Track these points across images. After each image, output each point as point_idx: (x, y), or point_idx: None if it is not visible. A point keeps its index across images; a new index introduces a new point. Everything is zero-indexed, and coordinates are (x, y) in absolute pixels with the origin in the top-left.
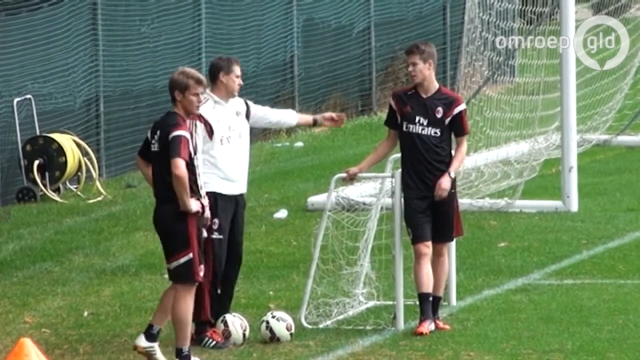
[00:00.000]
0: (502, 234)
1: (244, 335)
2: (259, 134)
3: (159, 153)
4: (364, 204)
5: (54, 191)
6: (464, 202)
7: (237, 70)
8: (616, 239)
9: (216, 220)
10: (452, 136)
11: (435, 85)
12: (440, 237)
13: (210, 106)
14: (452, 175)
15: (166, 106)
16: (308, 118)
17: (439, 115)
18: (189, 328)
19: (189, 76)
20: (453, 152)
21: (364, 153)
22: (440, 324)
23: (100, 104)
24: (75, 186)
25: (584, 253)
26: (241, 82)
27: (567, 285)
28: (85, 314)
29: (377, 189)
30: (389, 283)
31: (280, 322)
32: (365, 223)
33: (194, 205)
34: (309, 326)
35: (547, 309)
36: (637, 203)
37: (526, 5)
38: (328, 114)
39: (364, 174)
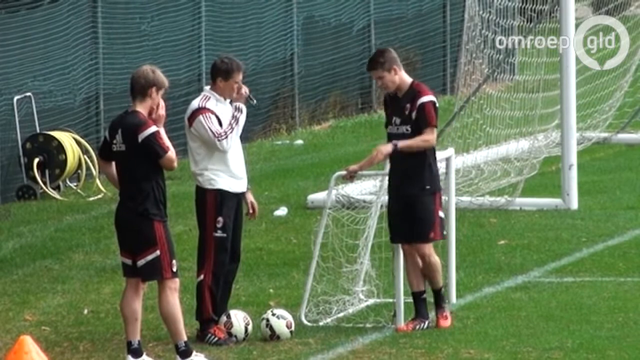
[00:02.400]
0: (502, 231)
1: (245, 329)
2: (259, 132)
3: (125, 152)
4: (364, 201)
5: (54, 189)
6: (464, 199)
7: (236, 77)
8: (616, 236)
9: (220, 219)
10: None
11: (408, 83)
12: (415, 237)
13: (213, 103)
14: (399, 145)
15: (166, 103)
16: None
17: (407, 112)
18: (180, 323)
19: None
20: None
21: (364, 151)
22: (442, 320)
23: (100, 102)
24: (75, 184)
25: (584, 251)
26: (240, 87)
27: (567, 283)
28: (86, 311)
29: (377, 186)
30: (389, 281)
31: (281, 320)
32: (365, 221)
33: (172, 153)
34: (309, 324)
35: (547, 307)
36: (637, 201)
37: (526, 3)
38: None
39: (364, 172)
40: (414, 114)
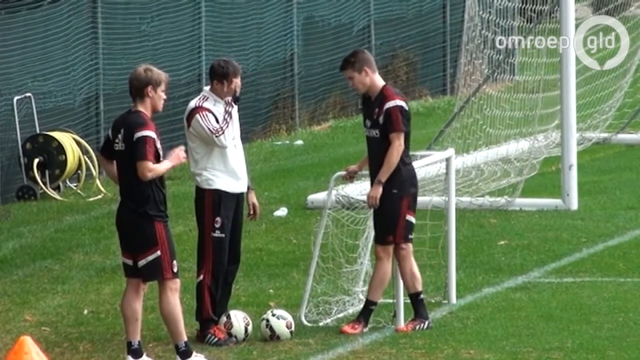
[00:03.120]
0: (502, 232)
1: (245, 329)
2: (259, 132)
3: (124, 152)
4: (364, 202)
5: (54, 189)
6: (464, 200)
7: (234, 80)
8: (616, 237)
9: (218, 219)
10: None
11: (379, 87)
12: (375, 238)
13: (211, 103)
14: (382, 181)
15: (166, 103)
16: None
17: (375, 116)
18: (180, 323)
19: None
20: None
21: (364, 151)
22: (350, 329)
23: (100, 102)
24: (75, 184)
25: (583, 251)
26: (237, 90)
27: (567, 283)
28: (85, 312)
29: None
30: (389, 281)
31: (280, 320)
32: (365, 221)
33: (167, 164)
34: (309, 324)
35: (547, 307)
36: (637, 201)
37: (526, 4)
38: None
39: (364, 172)
40: (381, 119)
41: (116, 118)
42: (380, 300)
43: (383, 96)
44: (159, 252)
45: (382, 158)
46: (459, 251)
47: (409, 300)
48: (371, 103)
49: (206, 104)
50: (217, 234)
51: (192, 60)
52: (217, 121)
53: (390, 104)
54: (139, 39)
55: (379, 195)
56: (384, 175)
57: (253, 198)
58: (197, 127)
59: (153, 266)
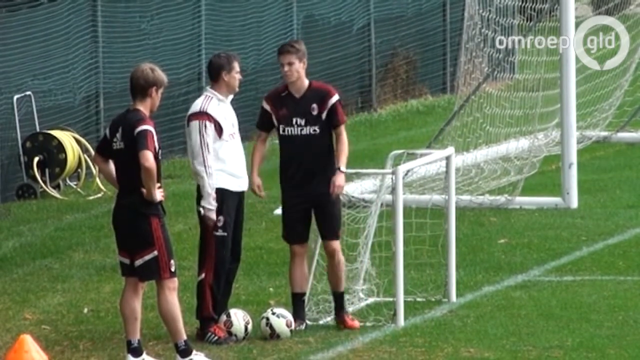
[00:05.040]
0: (501, 230)
1: (245, 328)
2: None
3: (124, 150)
4: (364, 200)
5: (54, 188)
6: (463, 198)
7: (237, 66)
8: (616, 235)
9: (221, 218)
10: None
11: (306, 83)
12: (327, 234)
13: (215, 104)
14: (343, 169)
15: (165, 102)
16: None
17: (314, 113)
18: (179, 322)
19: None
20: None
21: (364, 149)
22: (349, 321)
23: (100, 101)
24: (75, 183)
25: (583, 250)
26: (241, 77)
27: (567, 281)
28: (85, 310)
29: (377, 185)
30: (389, 279)
31: (280, 319)
32: (365, 220)
33: (158, 195)
34: (309, 322)
35: (547, 306)
36: (637, 199)
37: (526, 2)
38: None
39: (364, 171)
40: (324, 115)
41: (114, 118)
42: (381, 299)
43: (324, 92)
44: (155, 252)
45: (322, 154)
46: (459, 249)
47: (409, 299)
48: (297, 100)
49: (210, 108)
50: (219, 232)
51: (192, 59)
52: (220, 128)
53: (334, 98)
54: (139, 37)
55: (344, 183)
56: (343, 163)
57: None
58: (191, 132)
59: (150, 266)
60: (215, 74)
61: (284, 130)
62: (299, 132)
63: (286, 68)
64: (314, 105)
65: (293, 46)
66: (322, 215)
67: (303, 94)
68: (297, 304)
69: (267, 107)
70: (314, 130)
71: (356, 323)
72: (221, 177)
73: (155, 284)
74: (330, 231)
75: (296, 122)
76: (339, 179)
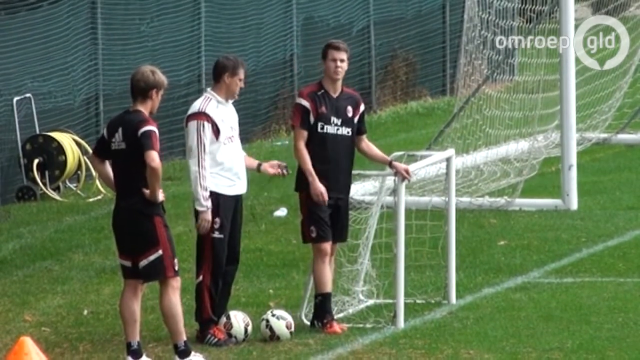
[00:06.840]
0: (501, 232)
1: (245, 330)
2: (258, 133)
3: (125, 150)
4: (365, 202)
5: (54, 190)
6: (463, 200)
7: (241, 73)
8: (616, 237)
9: (217, 220)
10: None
11: (340, 84)
12: (341, 237)
13: (214, 106)
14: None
15: (165, 104)
16: (253, 162)
17: (349, 115)
18: (181, 323)
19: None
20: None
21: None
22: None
23: (99, 103)
24: (75, 185)
25: (583, 251)
26: (242, 85)
27: (566, 283)
28: (85, 312)
29: (378, 187)
30: (389, 281)
31: (280, 321)
32: (365, 221)
33: (160, 195)
34: (308, 323)
35: (547, 308)
36: (636, 201)
37: (526, 4)
38: (273, 163)
39: (365, 172)
40: (356, 119)
41: (112, 118)
42: (381, 300)
43: (356, 98)
44: (160, 252)
45: (350, 154)
46: (459, 251)
47: (409, 301)
48: (335, 100)
49: (209, 108)
50: (216, 234)
51: (192, 61)
52: (217, 129)
53: (363, 106)
54: (138, 39)
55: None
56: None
57: (267, 167)
58: (189, 131)
59: (155, 266)
60: (217, 75)
61: (322, 128)
62: (336, 132)
63: (338, 64)
64: (349, 108)
65: (345, 45)
66: (338, 217)
67: (339, 94)
68: (329, 303)
69: (306, 104)
70: (348, 132)
71: (338, 328)
72: (217, 180)
73: (156, 286)
74: (344, 234)
75: (333, 122)
76: (406, 166)
